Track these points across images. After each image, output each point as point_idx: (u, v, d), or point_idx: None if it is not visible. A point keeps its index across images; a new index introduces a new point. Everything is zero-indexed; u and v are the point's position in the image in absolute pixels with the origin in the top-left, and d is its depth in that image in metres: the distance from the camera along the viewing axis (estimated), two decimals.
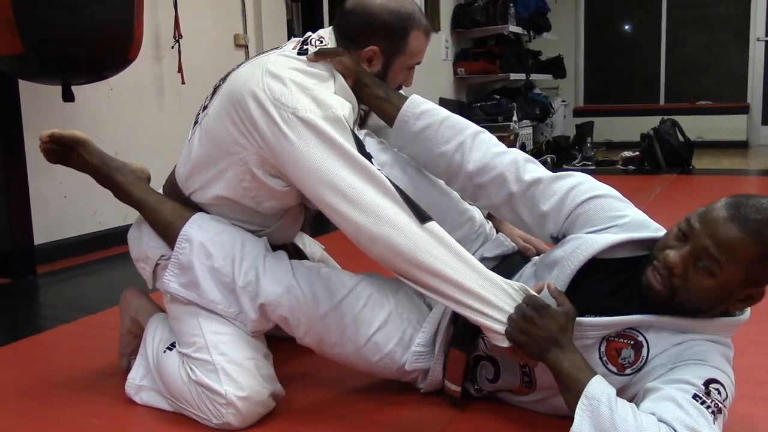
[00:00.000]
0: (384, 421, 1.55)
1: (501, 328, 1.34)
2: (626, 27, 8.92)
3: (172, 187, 1.71)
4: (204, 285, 1.56)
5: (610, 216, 1.49)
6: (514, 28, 7.01)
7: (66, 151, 1.68)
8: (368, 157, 1.44)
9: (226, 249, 1.58)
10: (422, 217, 1.39)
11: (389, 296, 1.58)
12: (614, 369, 1.37)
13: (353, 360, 1.58)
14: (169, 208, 1.65)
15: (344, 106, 1.49)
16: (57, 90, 2.77)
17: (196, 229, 1.60)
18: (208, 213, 1.65)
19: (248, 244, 1.60)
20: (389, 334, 1.56)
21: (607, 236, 1.45)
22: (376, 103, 1.64)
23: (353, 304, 1.55)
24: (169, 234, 1.62)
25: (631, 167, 6.18)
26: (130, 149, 3.66)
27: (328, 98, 1.48)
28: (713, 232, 1.26)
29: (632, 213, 1.50)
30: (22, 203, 3.04)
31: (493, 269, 1.62)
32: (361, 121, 1.79)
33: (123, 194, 1.69)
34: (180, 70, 3.80)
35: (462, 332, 1.51)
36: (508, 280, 1.39)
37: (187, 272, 1.58)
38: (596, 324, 1.37)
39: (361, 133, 1.68)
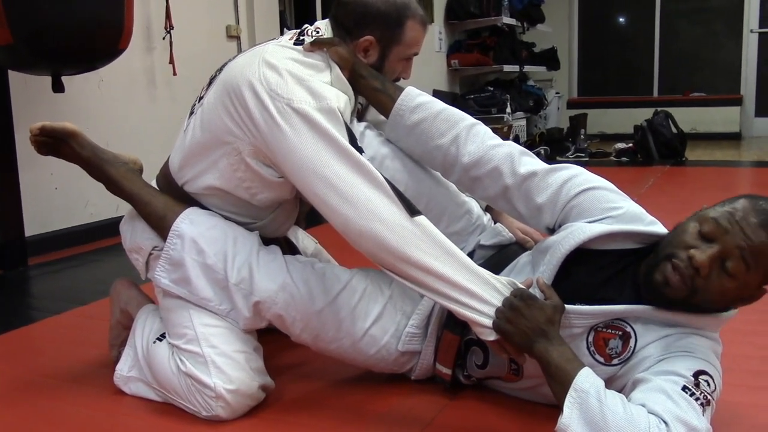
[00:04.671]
0: (375, 411, 1.55)
1: (488, 322, 1.34)
2: (620, 19, 8.92)
3: (165, 177, 1.70)
4: (195, 282, 1.55)
5: (604, 207, 1.49)
6: (507, 20, 7.00)
7: (57, 143, 1.66)
8: (360, 150, 1.44)
9: (218, 245, 1.56)
10: (412, 210, 1.38)
11: (383, 289, 1.58)
12: (601, 359, 1.38)
13: (350, 354, 1.58)
14: (161, 202, 1.64)
15: (339, 98, 1.49)
16: (47, 81, 2.76)
17: (188, 224, 1.58)
18: (201, 204, 1.64)
19: (240, 240, 1.59)
20: (385, 326, 1.56)
21: (600, 225, 1.45)
22: (372, 95, 1.64)
23: (349, 299, 1.55)
24: (162, 228, 1.61)
25: (624, 159, 6.19)
26: (122, 140, 3.65)
27: (324, 90, 1.48)
28: (747, 236, 1.26)
29: (627, 205, 1.50)
30: (13, 195, 3.03)
31: (491, 258, 1.63)
32: (360, 115, 1.79)
33: (115, 187, 1.68)
34: (171, 61, 3.78)
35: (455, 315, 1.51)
36: (496, 276, 1.39)
37: (179, 268, 1.57)
38: (582, 312, 1.37)
39: (361, 126, 1.68)
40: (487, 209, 1.77)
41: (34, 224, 3.22)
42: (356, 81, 1.60)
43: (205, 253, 1.55)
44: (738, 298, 1.34)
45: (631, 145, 6.23)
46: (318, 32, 1.60)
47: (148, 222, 1.64)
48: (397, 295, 1.58)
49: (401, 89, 1.63)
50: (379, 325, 1.56)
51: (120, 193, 1.68)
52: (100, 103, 3.56)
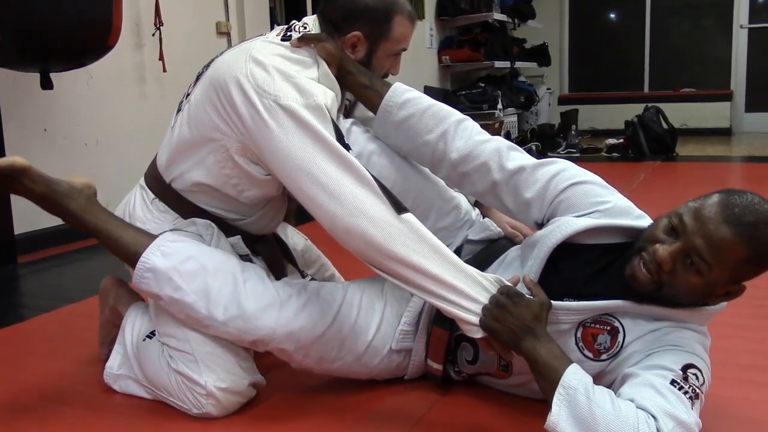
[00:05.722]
0: (365, 408, 1.55)
1: (475, 319, 1.34)
2: (611, 15, 8.94)
3: (153, 175, 1.69)
4: (173, 319, 1.50)
5: (592, 202, 1.49)
6: (498, 16, 7.00)
7: (6, 180, 1.48)
8: (347, 147, 1.43)
9: (197, 281, 1.46)
10: (399, 207, 1.38)
11: (378, 297, 1.58)
12: (590, 355, 1.38)
13: (354, 369, 1.57)
14: (130, 236, 1.52)
15: (326, 95, 1.48)
16: (35, 78, 2.75)
17: (160, 257, 1.47)
18: (190, 201, 1.62)
19: (221, 271, 1.49)
20: (385, 335, 1.56)
21: (587, 219, 1.45)
22: (360, 91, 1.63)
23: (348, 316, 1.53)
24: (135, 265, 1.50)
25: (615, 154, 6.21)
26: (111, 138, 3.64)
27: (311, 86, 1.47)
28: (706, 232, 1.26)
29: (614, 199, 1.50)
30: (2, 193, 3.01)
31: (479, 253, 1.63)
32: (347, 111, 1.78)
33: (77, 222, 1.52)
34: (161, 58, 3.77)
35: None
36: (483, 273, 1.39)
37: (154, 303, 1.52)
38: (570, 309, 1.37)
39: (348, 122, 1.67)
40: (476, 204, 1.77)
41: (23, 222, 3.19)
42: (344, 77, 1.59)
43: (182, 290, 1.46)
44: (709, 294, 1.33)
45: (622, 140, 6.25)
46: (305, 28, 1.60)
47: (119, 257, 1.53)
48: (391, 300, 1.58)
49: (389, 85, 1.62)
50: (380, 336, 1.55)
51: (83, 228, 1.53)
52: (90, 100, 3.54)
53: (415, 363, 1.60)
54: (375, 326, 1.55)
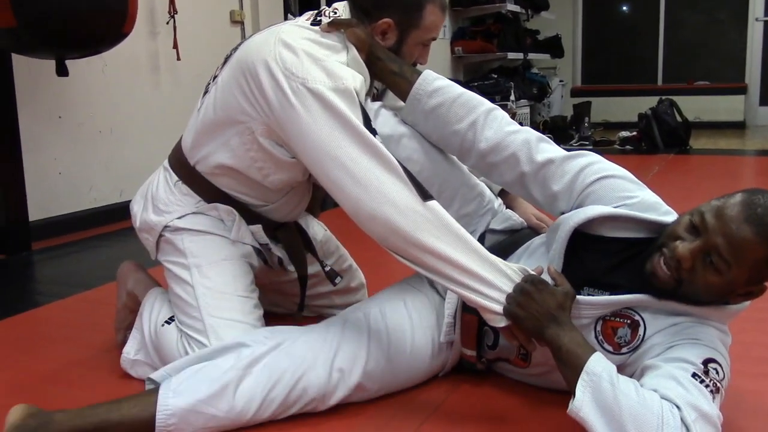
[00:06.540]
0: (381, 397, 1.54)
1: (499, 308, 1.33)
2: (624, 6, 8.88)
3: (177, 156, 1.68)
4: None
5: (619, 196, 1.48)
6: (512, 7, 6.97)
7: None
8: (374, 132, 1.42)
9: (221, 403, 1.35)
10: (424, 194, 1.37)
11: (402, 313, 1.55)
12: (610, 348, 1.37)
13: (396, 388, 1.55)
14: (129, 406, 1.35)
15: (355, 79, 1.47)
16: (51, 65, 2.76)
17: (173, 397, 1.34)
18: (214, 185, 1.61)
19: (244, 384, 1.37)
20: (422, 352, 1.54)
21: (606, 207, 1.45)
22: (389, 78, 1.61)
23: (379, 345, 1.49)
24: (155, 426, 1.34)
25: (628, 147, 6.18)
26: (124, 126, 3.65)
27: (340, 70, 1.46)
28: (726, 231, 1.25)
29: (642, 195, 1.49)
30: (17, 179, 3.03)
31: (502, 241, 1.62)
32: (375, 100, 1.77)
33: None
34: (175, 46, 3.76)
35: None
36: (507, 262, 1.38)
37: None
38: (593, 303, 1.37)
39: (376, 104, 1.65)
40: (500, 193, 1.76)
41: (37, 209, 3.21)
42: (373, 63, 1.57)
43: (217, 417, 1.35)
44: (728, 293, 1.32)
45: (635, 133, 6.23)
46: (335, 13, 1.58)
47: None
48: (418, 309, 1.56)
49: (418, 73, 1.60)
50: (417, 353, 1.53)
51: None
52: (104, 87, 3.55)
53: (455, 354, 1.58)
54: (409, 346, 1.52)
